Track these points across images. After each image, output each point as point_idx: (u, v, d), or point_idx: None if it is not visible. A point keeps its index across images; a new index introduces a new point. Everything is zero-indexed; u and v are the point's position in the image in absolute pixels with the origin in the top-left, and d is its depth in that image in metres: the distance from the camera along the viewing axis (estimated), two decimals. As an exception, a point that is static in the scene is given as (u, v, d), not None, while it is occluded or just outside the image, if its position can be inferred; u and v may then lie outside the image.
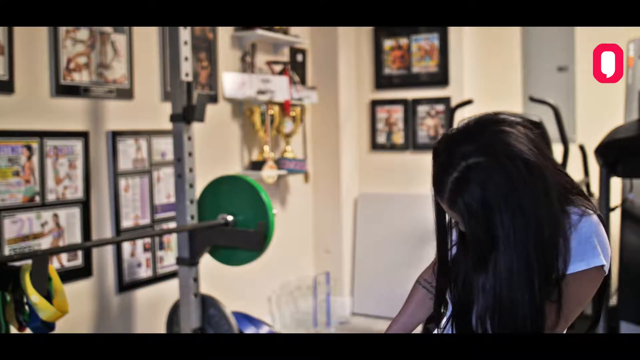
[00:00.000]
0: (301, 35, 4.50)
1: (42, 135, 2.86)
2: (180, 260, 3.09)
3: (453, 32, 4.51)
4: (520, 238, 1.22)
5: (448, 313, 1.45)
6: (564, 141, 3.78)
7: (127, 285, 3.27)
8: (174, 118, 3.03)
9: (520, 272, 1.23)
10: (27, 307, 2.25)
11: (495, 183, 1.21)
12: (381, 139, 4.78)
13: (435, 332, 1.48)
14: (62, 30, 2.94)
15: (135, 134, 3.30)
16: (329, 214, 4.74)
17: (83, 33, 3.05)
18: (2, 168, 2.71)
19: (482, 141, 1.24)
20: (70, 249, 2.93)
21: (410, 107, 4.65)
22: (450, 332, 1.43)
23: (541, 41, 4.83)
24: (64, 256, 2.96)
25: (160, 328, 3.34)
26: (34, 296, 2.18)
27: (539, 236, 1.23)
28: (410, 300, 1.62)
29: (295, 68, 4.50)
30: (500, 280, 1.24)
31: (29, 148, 2.81)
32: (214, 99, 3.84)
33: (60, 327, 2.38)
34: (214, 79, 3.84)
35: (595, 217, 1.33)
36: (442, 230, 1.40)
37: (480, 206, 1.22)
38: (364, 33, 4.81)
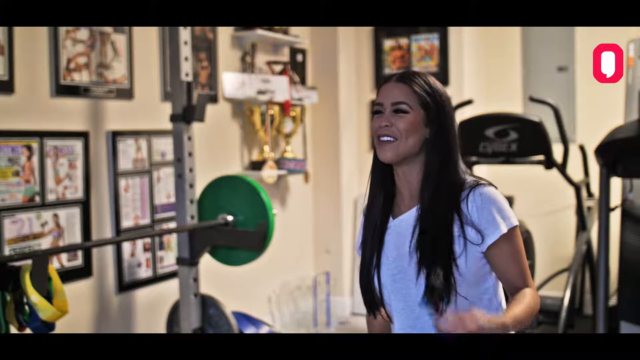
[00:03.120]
0: (301, 35, 4.50)
1: (42, 135, 2.86)
2: (180, 260, 3.09)
3: (453, 32, 4.51)
4: (451, 123, 1.54)
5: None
6: (564, 141, 3.78)
7: (127, 285, 3.27)
8: (174, 118, 3.03)
9: (454, 149, 1.53)
10: (27, 307, 2.26)
11: (435, 84, 1.55)
12: (381, 139, 4.77)
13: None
14: (62, 30, 2.94)
15: (135, 134, 3.30)
16: (329, 214, 4.74)
17: (83, 33, 3.05)
18: (2, 168, 2.71)
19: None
20: (70, 249, 2.93)
21: (410, 107, 4.64)
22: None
23: (541, 41, 4.82)
24: (64, 256, 2.96)
25: (160, 328, 3.34)
26: (34, 296, 2.18)
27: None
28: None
29: (295, 68, 4.50)
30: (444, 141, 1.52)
31: (29, 148, 2.81)
32: (214, 99, 3.84)
33: (60, 327, 2.38)
34: (214, 79, 3.84)
35: (489, 187, 1.50)
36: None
37: (427, 84, 1.53)
38: (364, 33, 4.81)
